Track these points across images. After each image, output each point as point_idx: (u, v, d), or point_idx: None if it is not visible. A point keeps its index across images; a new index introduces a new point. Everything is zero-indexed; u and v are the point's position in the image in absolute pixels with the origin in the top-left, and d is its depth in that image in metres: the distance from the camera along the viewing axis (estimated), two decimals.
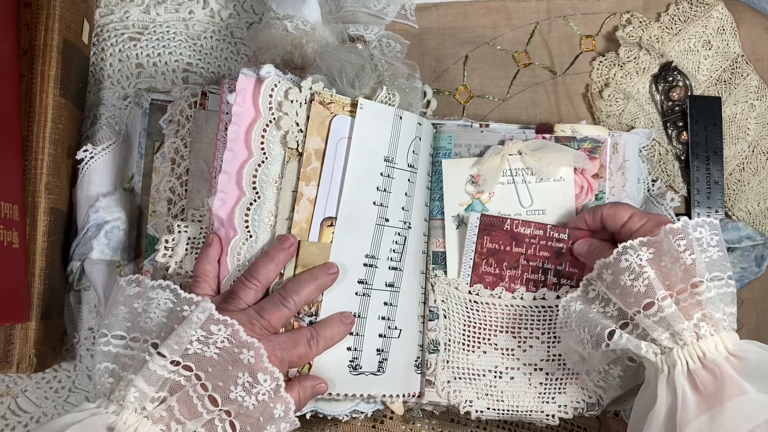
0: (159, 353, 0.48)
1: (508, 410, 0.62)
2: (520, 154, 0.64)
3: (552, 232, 0.63)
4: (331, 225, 0.58)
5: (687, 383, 0.49)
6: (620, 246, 0.53)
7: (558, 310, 0.59)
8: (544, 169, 0.63)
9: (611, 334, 0.52)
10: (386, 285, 0.61)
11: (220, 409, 0.49)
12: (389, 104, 0.62)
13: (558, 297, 0.61)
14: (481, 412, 0.62)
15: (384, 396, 0.60)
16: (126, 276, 0.53)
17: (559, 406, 0.61)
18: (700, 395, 0.49)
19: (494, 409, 0.62)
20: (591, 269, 0.57)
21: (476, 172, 0.64)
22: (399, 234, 0.61)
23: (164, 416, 0.48)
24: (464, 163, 0.64)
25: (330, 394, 0.58)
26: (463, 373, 0.63)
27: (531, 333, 0.62)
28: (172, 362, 0.48)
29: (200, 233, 0.61)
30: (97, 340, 0.51)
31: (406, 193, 0.62)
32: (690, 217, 0.68)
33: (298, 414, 0.54)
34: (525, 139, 0.64)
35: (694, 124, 0.70)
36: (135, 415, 0.47)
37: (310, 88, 0.59)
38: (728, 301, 0.52)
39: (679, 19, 0.71)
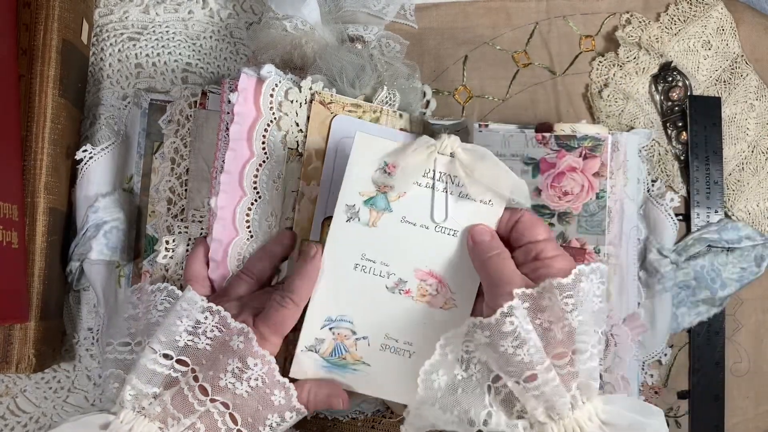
0: (150, 347, 0.48)
1: None
2: (452, 156, 0.51)
3: None
4: None
5: None
6: (505, 306, 0.45)
7: None
8: (473, 185, 0.51)
9: (488, 417, 0.46)
10: None
11: (213, 400, 0.48)
12: (390, 104, 0.62)
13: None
14: None
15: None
16: (131, 287, 0.53)
17: None
18: None
19: None
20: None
21: (393, 162, 0.51)
22: None
23: (159, 412, 0.47)
24: (382, 144, 0.52)
25: None
26: None
27: None
28: (163, 356, 0.48)
29: (201, 234, 0.61)
30: (104, 349, 0.51)
31: None
32: (689, 217, 0.69)
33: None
34: (463, 145, 0.52)
35: (694, 124, 0.70)
36: (132, 413, 0.47)
37: (310, 88, 0.59)
38: (599, 359, 0.47)
39: (679, 19, 0.71)
